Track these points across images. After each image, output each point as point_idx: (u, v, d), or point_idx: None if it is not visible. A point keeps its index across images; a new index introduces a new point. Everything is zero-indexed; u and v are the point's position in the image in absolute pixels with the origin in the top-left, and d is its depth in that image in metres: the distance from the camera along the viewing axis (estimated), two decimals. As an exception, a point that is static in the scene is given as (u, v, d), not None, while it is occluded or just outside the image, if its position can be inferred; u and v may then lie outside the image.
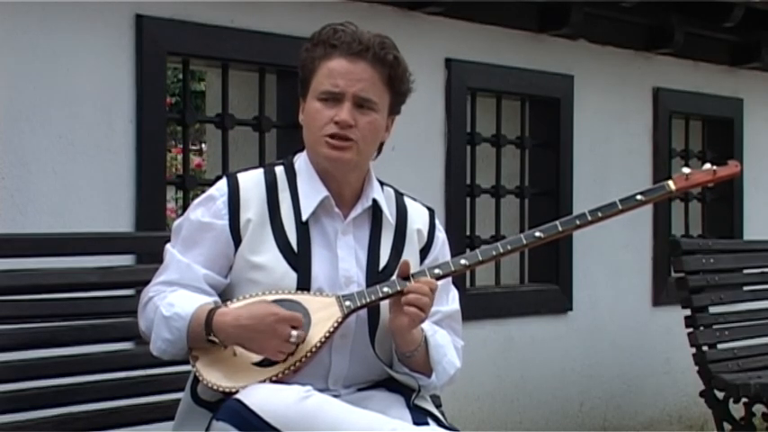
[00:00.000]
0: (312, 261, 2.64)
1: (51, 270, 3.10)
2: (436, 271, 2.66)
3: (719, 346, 5.12)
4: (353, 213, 2.71)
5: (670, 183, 2.84)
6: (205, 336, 2.54)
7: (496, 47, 5.41)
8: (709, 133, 6.73)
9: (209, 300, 2.60)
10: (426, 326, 2.70)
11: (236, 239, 2.64)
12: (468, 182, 5.40)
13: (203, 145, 9.95)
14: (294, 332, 2.50)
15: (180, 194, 4.65)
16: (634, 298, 6.11)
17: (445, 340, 2.76)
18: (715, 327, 5.12)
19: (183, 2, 4.23)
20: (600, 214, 2.76)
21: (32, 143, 3.82)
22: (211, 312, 2.54)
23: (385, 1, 4.89)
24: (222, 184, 2.69)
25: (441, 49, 5.17)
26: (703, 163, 7.12)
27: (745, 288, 5.67)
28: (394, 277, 2.64)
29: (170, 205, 6.00)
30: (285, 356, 2.52)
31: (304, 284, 2.61)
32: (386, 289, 2.60)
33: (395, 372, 2.69)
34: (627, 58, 6.09)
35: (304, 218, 2.66)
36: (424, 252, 2.78)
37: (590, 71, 5.86)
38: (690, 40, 6.16)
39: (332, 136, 2.62)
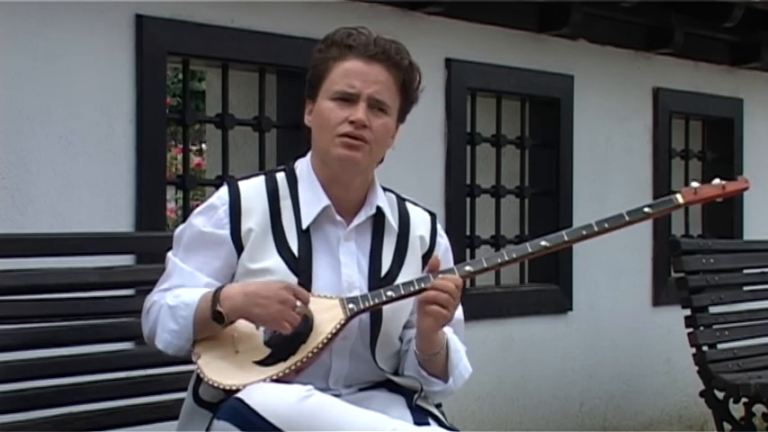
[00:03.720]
0: (314, 267, 2.63)
1: (51, 270, 3.10)
2: (467, 268, 2.66)
3: (719, 346, 5.12)
4: (356, 221, 2.70)
5: (678, 196, 2.82)
6: (211, 310, 2.52)
7: (496, 47, 5.41)
8: (709, 133, 6.72)
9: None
10: (446, 329, 2.70)
11: (238, 248, 2.64)
12: (468, 182, 5.39)
13: (203, 145, 9.94)
14: (299, 302, 2.51)
15: (180, 194, 4.65)
16: (634, 298, 6.11)
17: (459, 345, 2.77)
18: (715, 327, 5.12)
19: (183, 2, 4.23)
20: (607, 225, 2.75)
21: (32, 143, 3.82)
22: (219, 288, 2.56)
23: (385, 1, 4.89)
24: (223, 193, 2.68)
25: (441, 49, 5.16)
26: (703, 163, 7.11)
27: (745, 288, 5.67)
28: (397, 282, 2.65)
29: (170, 205, 6.00)
30: (290, 328, 2.50)
31: (305, 289, 2.61)
32: (390, 293, 2.61)
33: (398, 377, 2.69)
34: (627, 58, 6.08)
35: (304, 226, 2.65)
36: (427, 258, 2.77)
37: (590, 71, 5.86)
38: (690, 40, 6.16)
39: (346, 135, 2.61)
